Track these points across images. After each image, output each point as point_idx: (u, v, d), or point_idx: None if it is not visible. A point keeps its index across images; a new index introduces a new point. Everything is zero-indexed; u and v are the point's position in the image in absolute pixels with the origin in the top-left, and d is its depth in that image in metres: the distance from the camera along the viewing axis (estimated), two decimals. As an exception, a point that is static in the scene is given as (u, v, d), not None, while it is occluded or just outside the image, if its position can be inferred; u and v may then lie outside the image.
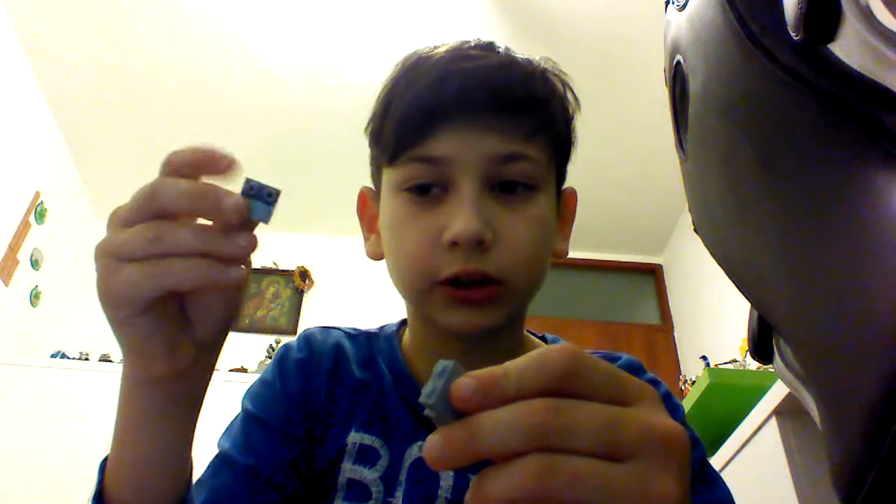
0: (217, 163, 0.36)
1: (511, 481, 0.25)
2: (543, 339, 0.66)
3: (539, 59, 0.60)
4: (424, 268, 0.53)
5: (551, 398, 0.26)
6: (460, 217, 0.51)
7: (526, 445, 0.25)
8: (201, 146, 0.36)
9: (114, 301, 0.35)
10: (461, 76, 0.54)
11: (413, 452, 0.55)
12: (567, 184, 0.64)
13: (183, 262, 0.33)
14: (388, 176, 0.57)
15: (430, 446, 0.26)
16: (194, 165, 0.36)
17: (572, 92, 0.61)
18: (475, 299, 0.52)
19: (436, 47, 0.58)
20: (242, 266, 0.35)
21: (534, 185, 0.55)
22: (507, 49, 0.59)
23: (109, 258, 0.35)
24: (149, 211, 0.34)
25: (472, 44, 0.58)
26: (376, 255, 0.62)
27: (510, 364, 0.27)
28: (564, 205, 0.63)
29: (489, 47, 0.58)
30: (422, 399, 0.27)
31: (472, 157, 0.53)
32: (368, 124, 0.61)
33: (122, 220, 0.35)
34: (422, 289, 0.54)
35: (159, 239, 0.34)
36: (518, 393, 0.26)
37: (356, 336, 0.65)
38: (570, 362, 0.27)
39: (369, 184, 0.65)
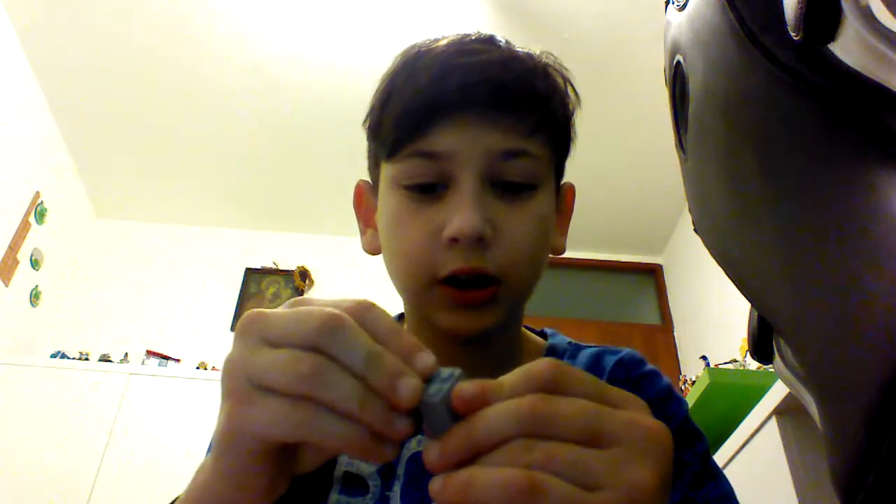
0: (415, 363, 0.30)
1: (492, 462, 0.27)
2: (542, 334, 0.66)
3: (540, 53, 0.59)
4: (424, 266, 0.52)
5: (536, 395, 0.28)
6: (460, 213, 0.50)
7: (515, 431, 0.27)
8: (408, 338, 0.31)
9: (239, 435, 0.31)
10: (462, 71, 0.53)
11: (411, 446, 0.55)
12: (567, 183, 0.63)
13: (338, 425, 0.28)
14: (387, 171, 0.56)
15: (430, 449, 0.28)
16: (387, 347, 0.30)
17: (573, 87, 0.61)
18: (474, 301, 0.52)
19: (436, 40, 0.57)
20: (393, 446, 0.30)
21: (535, 182, 0.54)
22: (508, 43, 0.58)
23: (244, 381, 0.30)
24: (311, 345, 0.29)
25: (474, 37, 0.57)
26: (373, 250, 0.61)
27: (505, 377, 0.29)
28: (562, 200, 0.62)
29: (490, 41, 0.57)
30: (425, 399, 0.29)
31: (473, 152, 0.52)
32: (367, 118, 0.60)
33: (270, 336, 0.30)
34: (421, 287, 0.53)
35: (315, 380, 0.28)
36: (510, 397, 0.28)
37: None
38: (555, 371, 0.29)
39: None
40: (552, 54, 0.61)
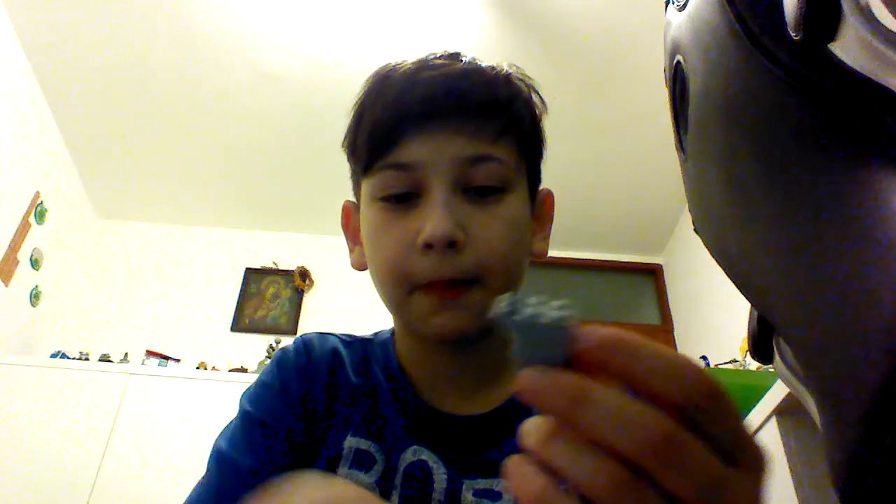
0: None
1: (589, 471, 0.23)
2: None
3: (504, 64, 0.62)
4: (402, 272, 0.54)
5: (678, 425, 0.24)
6: (431, 220, 0.52)
7: (624, 450, 0.23)
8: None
9: None
10: (425, 84, 0.56)
11: (407, 457, 0.55)
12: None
13: None
14: (365, 186, 0.59)
15: (532, 376, 0.24)
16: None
17: (538, 94, 0.63)
18: (452, 296, 0.53)
19: (403, 61, 0.61)
20: None
21: (503, 185, 0.56)
22: (472, 59, 0.61)
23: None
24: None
25: (438, 55, 0.61)
26: (361, 266, 0.63)
27: (652, 347, 0.25)
28: (541, 206, 0.64)
29: (453, 56, 0.61)
30: (523, 316, 0.25)
31: (441, 160, 0.54)
32: (345, 139, 0.63)
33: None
34: (402, 295, 0.55)
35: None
36: (646, 381, 0.24)
37: (351, 343, 0.66)
38: (713, 391, 0.24)
39: None
40: (517, 66, 0.63)
